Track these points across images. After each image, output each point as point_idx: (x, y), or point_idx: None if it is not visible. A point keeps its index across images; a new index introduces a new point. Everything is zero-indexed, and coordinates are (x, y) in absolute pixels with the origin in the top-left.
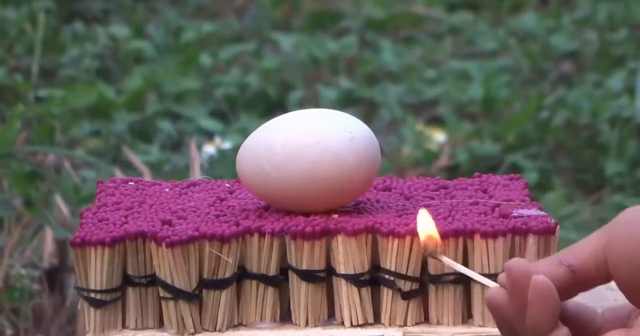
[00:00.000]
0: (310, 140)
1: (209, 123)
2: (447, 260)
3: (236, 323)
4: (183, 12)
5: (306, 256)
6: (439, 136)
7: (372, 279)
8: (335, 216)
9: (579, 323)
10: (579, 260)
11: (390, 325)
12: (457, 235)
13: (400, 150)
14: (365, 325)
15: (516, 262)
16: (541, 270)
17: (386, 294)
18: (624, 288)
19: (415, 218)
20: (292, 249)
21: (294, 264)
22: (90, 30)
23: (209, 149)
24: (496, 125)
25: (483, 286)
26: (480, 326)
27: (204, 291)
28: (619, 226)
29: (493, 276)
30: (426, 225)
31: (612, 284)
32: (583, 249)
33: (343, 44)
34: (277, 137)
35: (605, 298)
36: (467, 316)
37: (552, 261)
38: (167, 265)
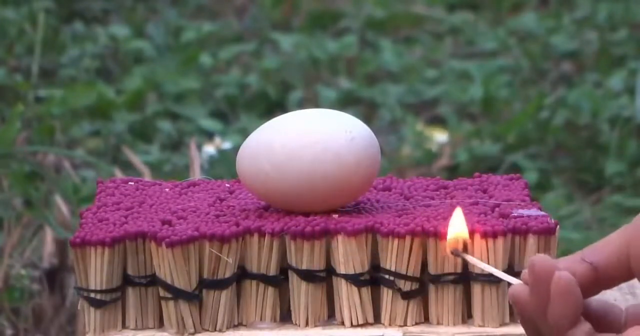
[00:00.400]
0: (310, 140)
1: (209, 123)
2: (471, 259)
3: (236, 323)
4: (183, 12)
5: (306, 256)
6: (439, 136)
7: (372, 279)
8: (335, 216)
9: (603, 320)
10: (601, 257)
11: (390, 325)
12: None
13: (400, 150)
14: (365, 325)
15: (539, 258)
16: (563, 266)
17: (386, 294)
18: None
19: (417, 217)
20: (292, 249)
21: (294, 264)
22: (90, 30)
23: (209, 149)
24: (496, 125)
25: (483, 286)
26: (480, 326)
27: (204, 291)
28: None
29: (494, 276)
30: (455, 224)
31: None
32: (605, 246)
33: (343, 44)
34: (277, 137)
35: (607, 298)
36: (467, 316)
37: (575, 259)
38: (167, 265)
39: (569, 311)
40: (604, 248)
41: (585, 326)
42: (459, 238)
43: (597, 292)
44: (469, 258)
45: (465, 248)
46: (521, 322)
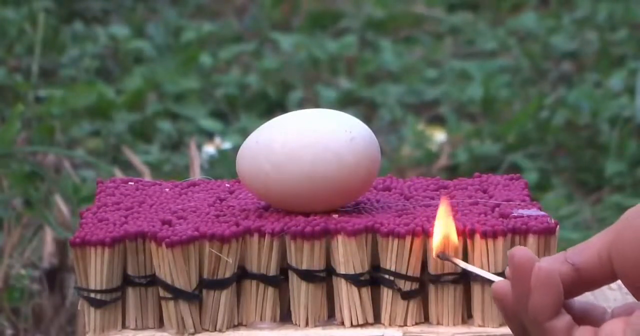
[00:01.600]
0: (310, 140)
1: (209, 123)
2: (459, 262)
3: (236, 323)
4: (183, 12)
5: (306, 256)
6: (439, 136)
7: (372, 279)
8: (335, 216)
9: (587, 321)
10: (583, 258)
11: (390, 325)
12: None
13: (400, 150)
14: (365, 325)
15: (518, 250)
16: (546, 266)
17: (386, 294)
18: (629, 285)
19: (417, 217)
20: (292, 249)
21: (294, 264)
22: (90, 30)
23: (209, 149)
24: (496, 125)
25: (483, 286)
26: (480, 326)
27: (204, 291)
28: (623, 223)
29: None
30: (440, 226)
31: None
32: (588, 248)
33: (343, 44)
34: (277, 137)
35: (607, 298)
36: (467, 316)
37: (558, 259)
38: (167, 265)
39: (549, 301)
40: (586, 250)
41: (566, 317)
42: (446, 241)
43: (579, 293)
44: (457, 261)
45: (456, 249)
46: (505, 319)
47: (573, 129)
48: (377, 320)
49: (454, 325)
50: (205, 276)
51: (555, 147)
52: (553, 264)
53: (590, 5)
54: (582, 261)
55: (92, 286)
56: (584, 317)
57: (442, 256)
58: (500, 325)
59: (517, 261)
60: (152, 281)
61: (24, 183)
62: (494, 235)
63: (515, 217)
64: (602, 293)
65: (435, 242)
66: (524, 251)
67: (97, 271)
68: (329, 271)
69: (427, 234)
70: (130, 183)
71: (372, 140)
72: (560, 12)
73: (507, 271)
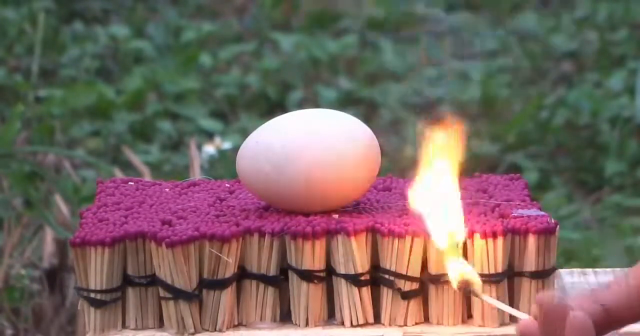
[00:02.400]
0: (310, 140)
1: (209, 123)
2: (486, 297)
3: (236, 323)
4: (183, 12)
5: (306, 257)
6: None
7: (372, 279)
8: (336, 216)
9: None
10: (613, 299)
11: (390, 325)
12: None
13: (401, 150)
14: (365, 325)
15: (547, 296)
16: (577, 306)
17: (386, 294)
18: None
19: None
20: (292, 249)
21: (294, 264)
22: (90, 30)
23: (209, 149)
24: (496, 125)
25: (483, 286)
26: (480, 326)
27: (204, 291)
28: None
29: (494, 276)
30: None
31: None
32: (617, 289)
33: (343, 44)
34: (277, 137)
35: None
36: (467, 316)
37: (588, 298)
38: (167, 265)
39: None
40: (615, 291)
41: None
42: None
43: (608, 332)
44: (482, 295)
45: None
46: None
47: (573, 129)
48: (377, 320)
49: (454, 325)
50: (205, 276)
51: (555, 147)
52: (585, 308)
53: (590, 5)
54: (612, 302)
55: (92, 286)
56: None
57: (465, 290)
58: (500, 325)
59: (546, 308)
60: (152, 281)
61: (24, 183)
62: (494, 235)
63: (515, 217)
64: None
65: (461, 278)
66: (552, 297)
67: (97, 271)
68: (329, 271)
69: (427, 234)
70: (130, 183)
71: (372, 141)
72: (560, 12)
73: (533, 309)
